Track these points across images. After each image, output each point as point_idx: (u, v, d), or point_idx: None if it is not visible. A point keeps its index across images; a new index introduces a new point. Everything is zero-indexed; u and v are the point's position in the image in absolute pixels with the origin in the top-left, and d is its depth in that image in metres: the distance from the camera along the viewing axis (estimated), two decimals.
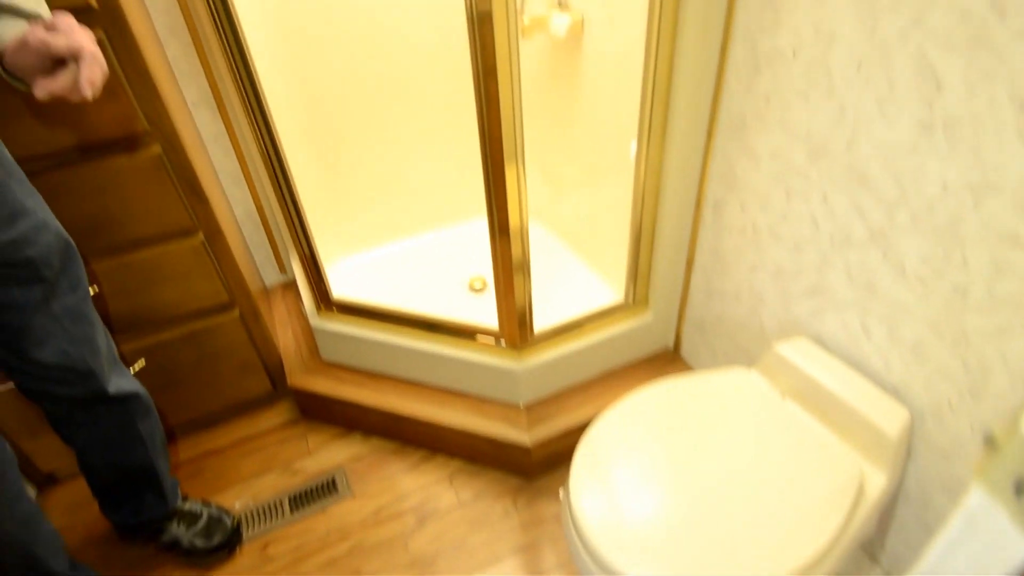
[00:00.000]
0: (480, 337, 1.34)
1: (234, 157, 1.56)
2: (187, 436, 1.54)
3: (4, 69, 0.71)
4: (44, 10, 0.73)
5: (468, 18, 0.89)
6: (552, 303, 1.45)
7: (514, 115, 0.99)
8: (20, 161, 0.84)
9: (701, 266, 1.34)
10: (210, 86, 1.43)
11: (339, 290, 1.44)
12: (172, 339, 1.33)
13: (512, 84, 0.96)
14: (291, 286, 1.81)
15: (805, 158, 0.97)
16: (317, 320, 1.45)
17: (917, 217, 0.82)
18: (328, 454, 1.48)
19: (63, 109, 1.00)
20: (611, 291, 1.53)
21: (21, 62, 0.69)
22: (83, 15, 0.93)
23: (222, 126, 1.49)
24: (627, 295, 1.40)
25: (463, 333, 1.35)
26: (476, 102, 0.97)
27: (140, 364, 1.31)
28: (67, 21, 0.70)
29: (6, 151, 0.80)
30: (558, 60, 1.54)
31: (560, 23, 1.38)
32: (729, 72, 1.08)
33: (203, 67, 1.40)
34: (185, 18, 1.33)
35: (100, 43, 0.97)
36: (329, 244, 1.64)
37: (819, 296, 1.04)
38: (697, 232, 1.31)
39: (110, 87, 1.00)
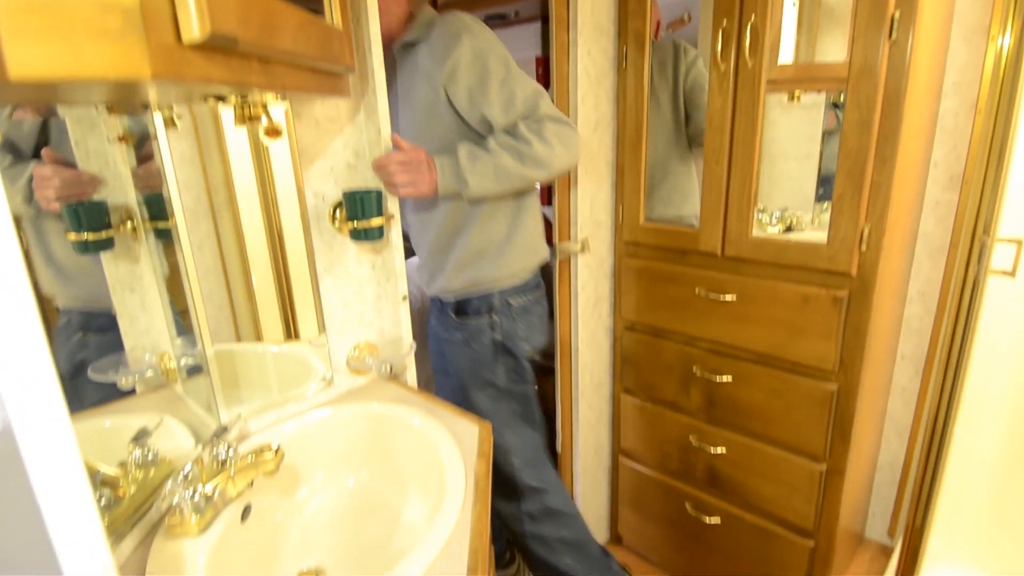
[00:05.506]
0: None
1: (912, 410, 1.51)
2: None
3: None
4: None
5: None
6: None
7: None
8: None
9: None
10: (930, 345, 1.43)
11: None
12: (742, 521, 1.44)
13: None
14: (884, 553, 1.61)
15: None
16: None
17: None
18: None
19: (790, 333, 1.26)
20: None
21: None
22: (839, 276, 1.14)
23: (917, 383, 1.48)
24: None
25: None
26: None
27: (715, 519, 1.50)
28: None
29: None
30: None
31: None
32: None
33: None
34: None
35: (839, 300, 1.15)
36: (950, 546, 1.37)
37: None
38: None
39: (824, 331, 1.18)
